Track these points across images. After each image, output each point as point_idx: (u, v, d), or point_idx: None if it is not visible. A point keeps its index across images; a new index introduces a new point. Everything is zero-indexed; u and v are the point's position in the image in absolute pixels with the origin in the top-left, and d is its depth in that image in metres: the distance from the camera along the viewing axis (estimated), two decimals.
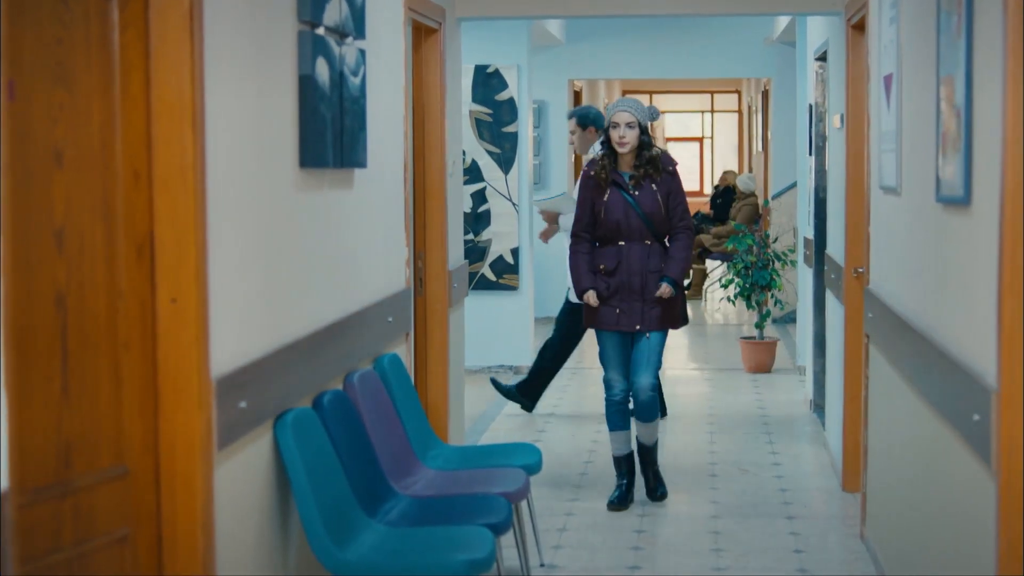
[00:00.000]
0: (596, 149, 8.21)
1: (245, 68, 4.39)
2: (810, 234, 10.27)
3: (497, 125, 11.90)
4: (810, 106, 10.23)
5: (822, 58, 9.62)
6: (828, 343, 8.99)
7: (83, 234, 3.63)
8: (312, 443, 4.73)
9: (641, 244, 7.30)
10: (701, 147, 29.62)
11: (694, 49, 15.24)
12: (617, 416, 7.48)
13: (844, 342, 7.72)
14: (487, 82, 11.90)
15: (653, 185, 7.30)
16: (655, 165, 7.30)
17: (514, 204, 11.99)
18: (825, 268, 8.90)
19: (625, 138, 7.23)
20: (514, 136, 11.95)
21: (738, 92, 26.71)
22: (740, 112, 27.01)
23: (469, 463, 6.10)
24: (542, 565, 6.34)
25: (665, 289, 7.27)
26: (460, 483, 5.71)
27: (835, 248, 8.42)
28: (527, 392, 10.12)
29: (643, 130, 7.29)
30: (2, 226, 2.77)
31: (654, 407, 7.40)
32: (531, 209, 12.19)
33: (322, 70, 5.03)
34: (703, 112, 29.33)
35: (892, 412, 5.91)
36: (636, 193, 7.29)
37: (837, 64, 8.40)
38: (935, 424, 4.84)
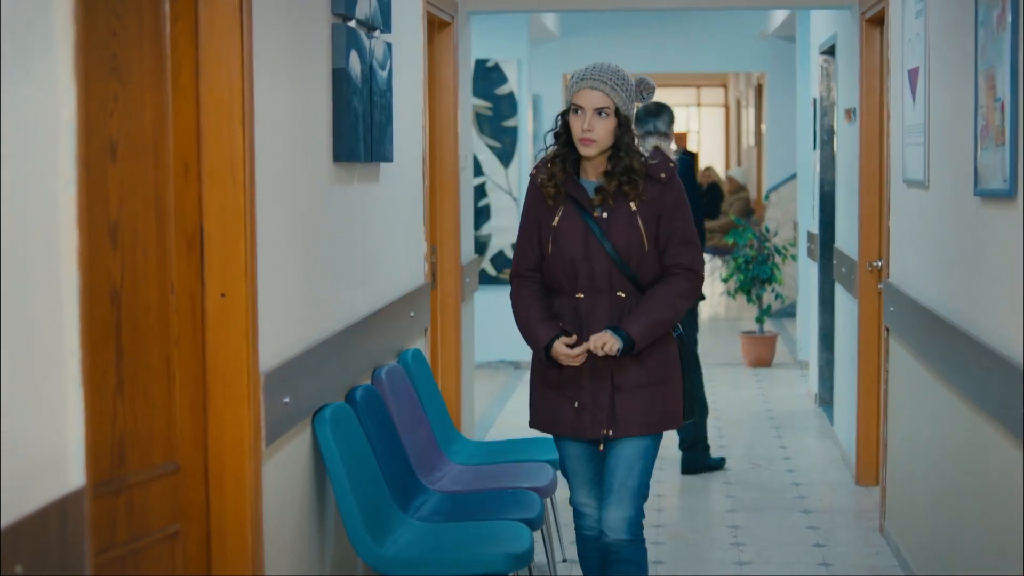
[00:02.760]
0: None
1: (285, 60, 4.36)
2: (814, 228, 10.26)
3: (497, 119, 11.88)
4: (814, 100, 10.22)
5: (828, 52, 9.62)
6: (837, 337, 8.99)
7: (136, 228, 3.59)
8: (349, 438, 4.70)
9: (610, 297, 4.66)
10: (685, 141, 29.59)
11: (687, 43, 15.22)
12: (593, 559, 4.93)
13: (857, 336, 7.71)
14: (487, 76, 11.87)
15: (632, 205, 4.63)
16: (634, 175, 4.63)
17: (514, 198, 11.97)
18: (834, 262, 8.89)
19: (593, 132, 4.59)
20: (514, 130, 11.93)
21: (724, 86, 26.71)
22: (727, 106, 27.01)
23: (494, 458, 6.08)
24: (564, 560, 6.32)
25: (602, 341, 4.57)
26: (488, 478, 5.69)
27: (846, 242, 8.42)
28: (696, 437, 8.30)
29: (624, 120, 4.62)
30: (78, 219, 2.73)
31: (638, 558, 4.83)
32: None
33: (354, 63, 5.01)
34: (688, 106, 29.31)
35: (916, 405, 5.91)
36: (604, 216, 4.64)
37: (847, 58, 8.40)
38: (970, 417, 4.83)
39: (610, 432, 4.68)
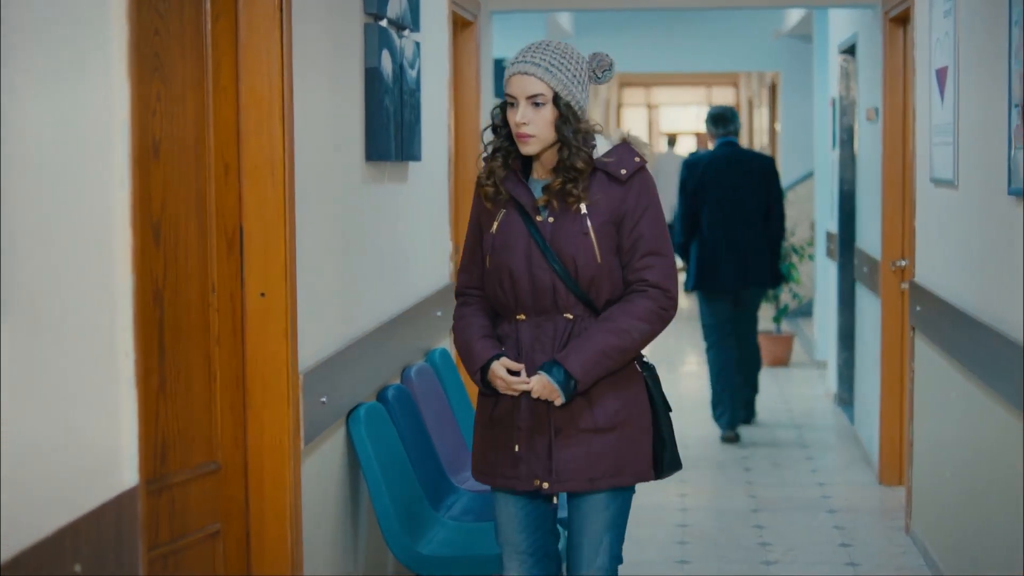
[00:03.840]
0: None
1: (321, 59, 4.36)
2: (833, 228, 10.25)
3: None
4: (832, 100, 10.21)
5: (847, 51, 9.61)
6: (857, 337, 8.98)
7: (178, 228, 3.59)
8: (382, 438, 4.70)
9: (556, 320, 3.89)
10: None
11: (700, 43, 15.21)
12: None
13: (880, 335, 7.70)
14: (503, 75, 11.84)
15: (582, 207, 3.85)
16: (577, 174, 3.84)
17: None
18: (855, 262, 8.88)
19: (529, 126, 3.83)
20: None
21: (735, 85, 26.68)
22: (738, 105, 26.98)
23: None
24: None
25: (547, 392, 3.83)
26: None
27: (868, 242, 8.41)
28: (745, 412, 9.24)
29: (566, 110, 3.81)
30: (133, 219, 2.73)
31: None
32: None
33: (386, 63, 5.00)
34: (699, 105, 29.31)
35: (944, 404, 5.90)
36: (550, 221, 3.87)
37: (869, 57, 8.39)
38: (1001, 416, 4.82)
39: (544, 485, 3.86)
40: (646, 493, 7.59)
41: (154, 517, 3.52)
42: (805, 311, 13.72)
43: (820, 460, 8.42)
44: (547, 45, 3.89)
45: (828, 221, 10.76)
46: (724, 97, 28.60)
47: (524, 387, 3.83)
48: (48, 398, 2.43)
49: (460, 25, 7.52)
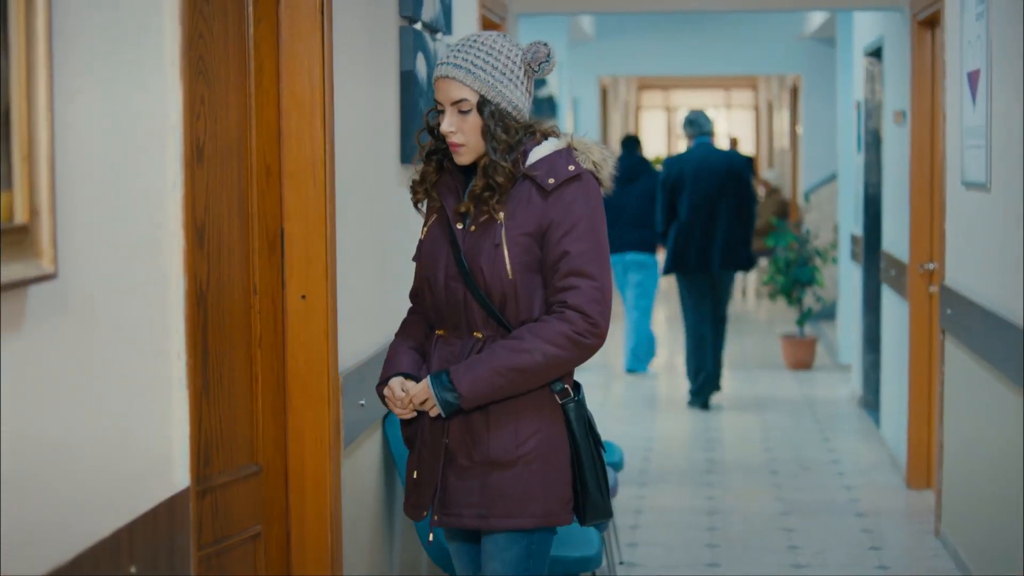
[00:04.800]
0: None
1: (359, 62, 4.37)
2: (858, 230, 10.25)
3: None
4: (857, 103, 10.20)
5: (873, 54, 9.60)
6: (884, 340, 8.97)
7: (221, 230, 3.60)
8: None
9: (465, 338, 3.55)
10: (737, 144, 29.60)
11: (722, 46, 15.24)
12: None
13: (909, 338, 7.69)
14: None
15: (502, 215, 3.48)
16: (499, 180, 3.46)
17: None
18: (882, 265, 8.87)
19: (457, 135, 3.49)
20: None
21: (754, 88, 26.69)
22: (757, 108, 26.99)
23: None
24: (621, 563, 6.32)
25: (423, 397, 3.48)
26: None
27: (895, 244, 8.40)
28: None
29: (490, 119, 3.45)
30: (185, 221, 2.75)
31: None
32: None
33: (420, 66, 5.01)
34: (716, 107, 29.32)
35: (975, 407, 5.89)
36: (472, 230, 3.53)
37: (896, 60, 8.38)
38: None
39: (435, 517, 3.54)
40: (672, 496, 7.60)
41: (198, 519, 3.52)
42: (828, 314, 13.71)
43: (846, 463, 8.41)
44: (473, 41, 3.50)
45: (852, 224, 10.75)
46: (743, 99, 28.63)
47: (401, 411, 3.51)
48: (104, 400, 2.44)
49: (489, 28, 7.53)
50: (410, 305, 3.74)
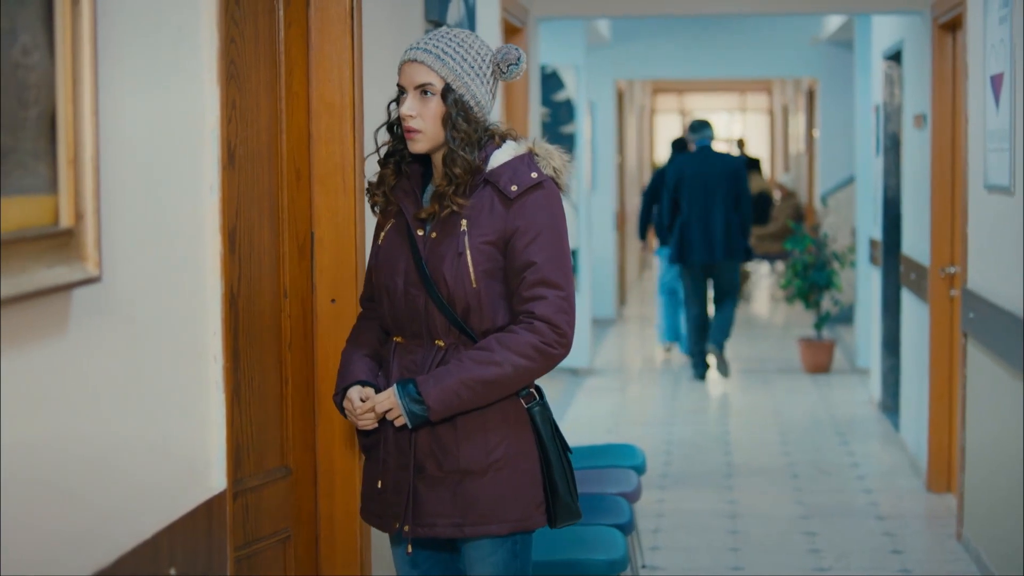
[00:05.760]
0: None
1: (386, 65, 4.38)
2: (876, 234, 10.24)
3: (555, 126, 11.89)
4: (876, 106, 10.20)
5: (892, 58, 9.59)
6: (903, 343, 8.96)
7: (252, 234, 3.62)
8: None
9: (426, 346, 3.48)
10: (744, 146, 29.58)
11: (738, 49, 15.23)
12: None
13: (930, 342, 7.68)
14: (545, 82, 11.88)
15: (462, 223, 3.42)
16: (457, 180, 3.41)
17: (573, 205, 11.97)
18: (902, 268, 8.86)
19: (415, 120, 3.42)
20: (572, 137, 11.93)
21: (768, 91, 26.68)
22: (771, 111, 26.97)
23: (575, 464, 6.07)
24: (644, 566, 6.32)
25: (388, 406, 3.41)
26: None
27: (915, 248, 8.39)
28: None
29: (454, 106, 3.40)
30: (222, 224, 2.76)
31: None
32: (588, 210, 12.17)
33: None
34: (731, 111, 29.30)
35: (998, 410, 5.89)
36: (433, 236, 3.44)
37: (917, 64, 8.37)
38: None
39: (405, 528, 3.45)
40: (693, 499, 7.60)
41: (232, 521, 3.53)
42: (845, 318, 13.69)
43: (866, 467, 8.40)
44: (445, 33, 3.46)
45: (871, 228, 10.74)
46: (757, 103, 28.61)
47: (364, 422, 3.43)
48: (146, 402, 2.45)
49: (509, 32, 7.54)
50: (359, 310, 3.68)
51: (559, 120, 11.91)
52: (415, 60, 3.40)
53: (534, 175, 3.42)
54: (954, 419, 7.22)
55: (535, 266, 3.37)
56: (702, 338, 11.41)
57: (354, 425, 3.48)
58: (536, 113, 8.26)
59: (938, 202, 7.56)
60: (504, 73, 3.47)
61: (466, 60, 3.41)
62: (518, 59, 3.47)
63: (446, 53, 3.39)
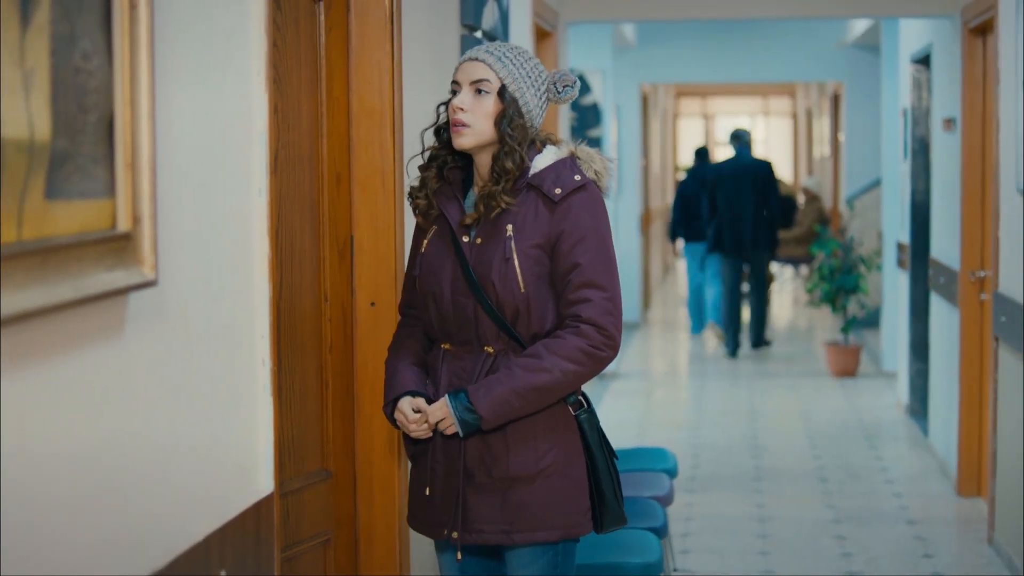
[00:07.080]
0: None
1: (424, 70, 4.40)
2: (904, 238, 10.22)
3: (581, 129, 11.89)
4: (903, 110, 10.18)
5: (920, 62, 9.58)
6: (932, 347, 8.94)
7: (293, 238, 3.63)
8: None
9: (476, 353, 3.47)
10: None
11: (762, 53, 15.23)
12: None
13: (960, 346, 7.67)
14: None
15: (508, 229, 3.42)
16: (507, 175, 3.41)
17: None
18: (930, 272, 8.85)
19: (465, 115, 3.42)
20: (598, 141, 11.94)
21: (791, 95, 26.64)
22: (795, 115, 26.93)
23: None
24: (675, 570, 6.32)
25: (440, 416, 3.40)
26: None
27: (945, 252, 8.38)
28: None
29: (510, 106, 3.41)
30: (270, 227, 2.77)
31: None
32: (615, 213, 12.19)
33: None
34: (754, 115, 29.26)
35: None
36: (478, 242, 3.44)
37: (946, 68, 8.36)
38: None
39: (454, 535, 3.45)
40: (722, 503, 7.60)
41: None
42: (871, 322, 13.67)
43: (895, 471, 8.39)
44: (509, 44, 3.52)
45: (899, 231, 10.72)
46: (781, 107, 28.57)
47: (420, 432, 3.42)
48: (199, 405, 2.47)
49: (540, 36, 7.56)
50: (399, 318, 3.66)
51: (586, 124, 11.92)
52: (476, 59, 3.43)
53: (577, 178, 3.42)
54: (984, 423, 7.21)
55: (580, 268, 3.37)
56: (735, 318, 12.98)
57: (406, 434, 3.48)
58: (566, 117, 8.27)
59: (968, 205, 7.55)
60: (558, 93, 3.49)
61: (524, 69, 3.43)
62: (574, 83, 3.49)
63: (507, 57, 3.42)
